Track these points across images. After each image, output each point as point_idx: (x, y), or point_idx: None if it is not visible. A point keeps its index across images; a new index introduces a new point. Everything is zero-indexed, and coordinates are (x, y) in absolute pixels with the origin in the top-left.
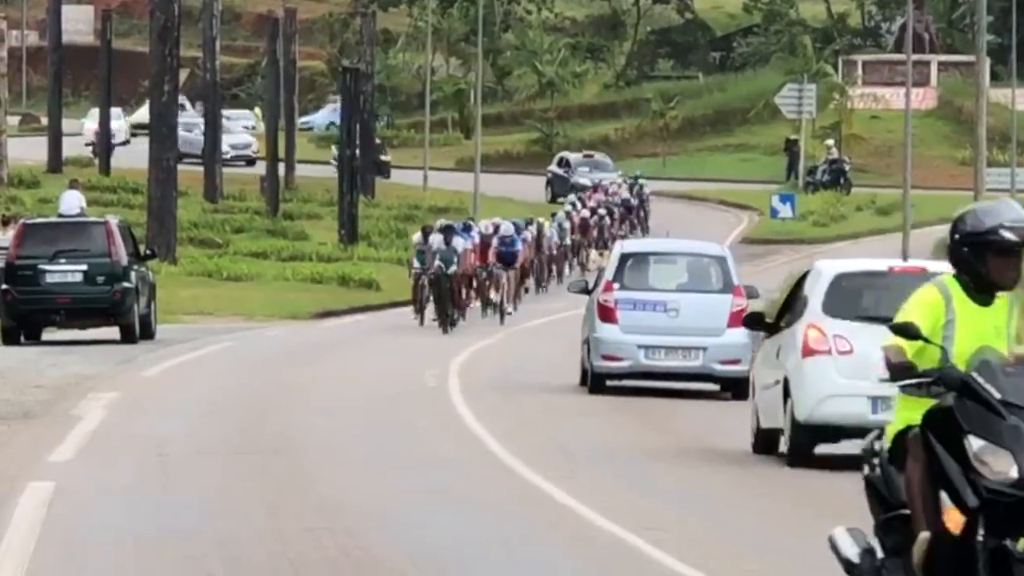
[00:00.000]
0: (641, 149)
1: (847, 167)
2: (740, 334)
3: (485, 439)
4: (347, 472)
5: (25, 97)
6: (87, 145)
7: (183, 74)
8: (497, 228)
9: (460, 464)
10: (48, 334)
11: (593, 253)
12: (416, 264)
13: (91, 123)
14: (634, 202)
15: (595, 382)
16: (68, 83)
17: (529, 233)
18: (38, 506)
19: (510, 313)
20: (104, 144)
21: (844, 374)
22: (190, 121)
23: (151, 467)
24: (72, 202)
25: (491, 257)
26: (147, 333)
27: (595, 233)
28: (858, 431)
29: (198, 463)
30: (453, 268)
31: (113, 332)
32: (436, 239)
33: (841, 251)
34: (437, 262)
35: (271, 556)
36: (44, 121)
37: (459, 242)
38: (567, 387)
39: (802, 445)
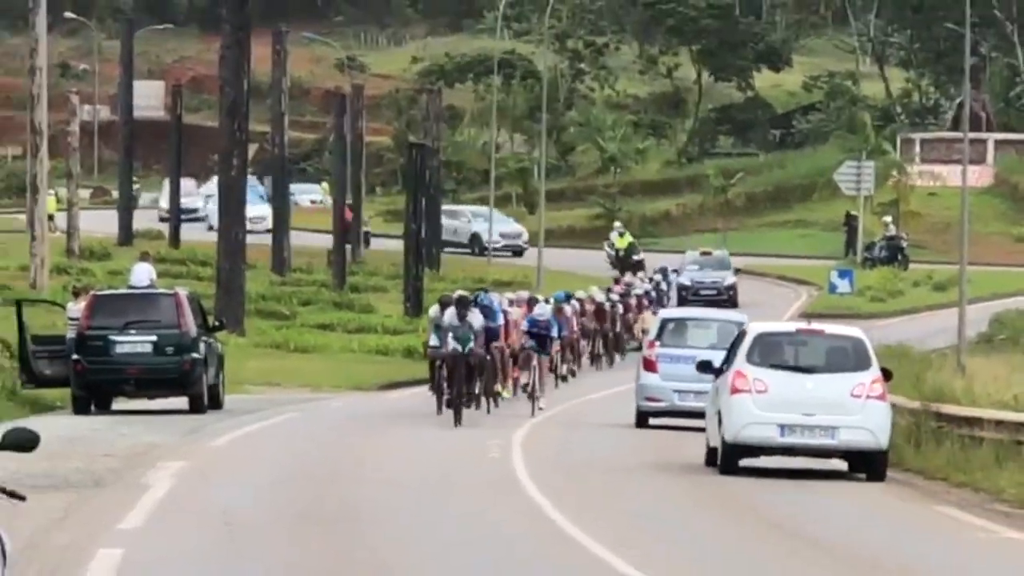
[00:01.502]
0: (702, 225)
1: (904, 243)
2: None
3: (548, 510)
4: (413, 545)
5: (96, 171)
6: (161, 220)
7: (252, 148)
8: (530, 303)
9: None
10: (118, 404)
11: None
12: (433, 340)
13: (204, 202)
14: (653, 295)
15: (639, 419)
16: (139, 157)
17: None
18: (107, 573)
19: (542, 408)
20: (175, 217)
21: (760, 407)
22: (455, 209)
23: (218, 536)
24: (142, 274)
25: (523, 337)
26: (215, 403)
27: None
28: (770, 450)
29: (264, 532)
30: (470, 346)
31: (182, 402)
32: (449, 313)
33: (898, 326)
34: (451, 342)
35: None
36: (115, 194)
37: (475, 318)
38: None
39: (730, 460)
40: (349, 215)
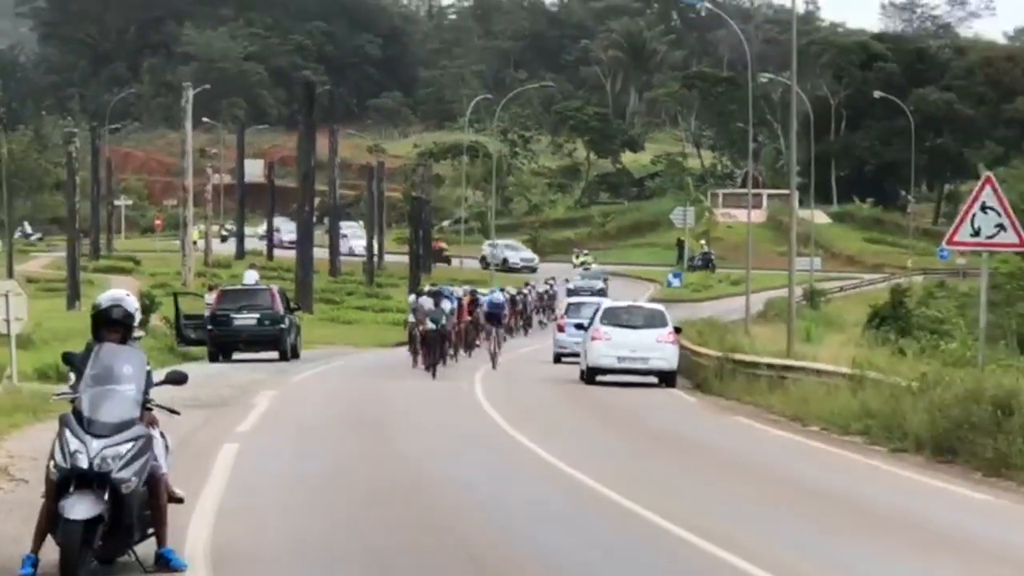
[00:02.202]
0: (590, 246)
1: (712, 257)
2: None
3: (496, 418)
4: (416, 437)
5: (222, 215)
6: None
7: (316, 201)
8: (472, 294)
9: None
10: (236, 356)
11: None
12: (411, 319)
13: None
14: (546, 297)
15: (555, 359)
16: (248, 206)
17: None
18: (229, 458)
19: (499, 363)
20: (270, 243)
21: (606, 348)
22: (494, 243)
23: (295, 435)
24: (250, 277)
25: (482, 318)
26: (295, 354)
27: (520, 307)
28: (612, 371)
29: (324, 432)
30: (442, 323)
31: (274, 355)
32: (427, 301)
33: (708, 307)
34: (429, 322)
35: (368, 479)
36: (233, 229)
37: (446, 304)
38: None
39: (591, 376)
40: (437, 245)
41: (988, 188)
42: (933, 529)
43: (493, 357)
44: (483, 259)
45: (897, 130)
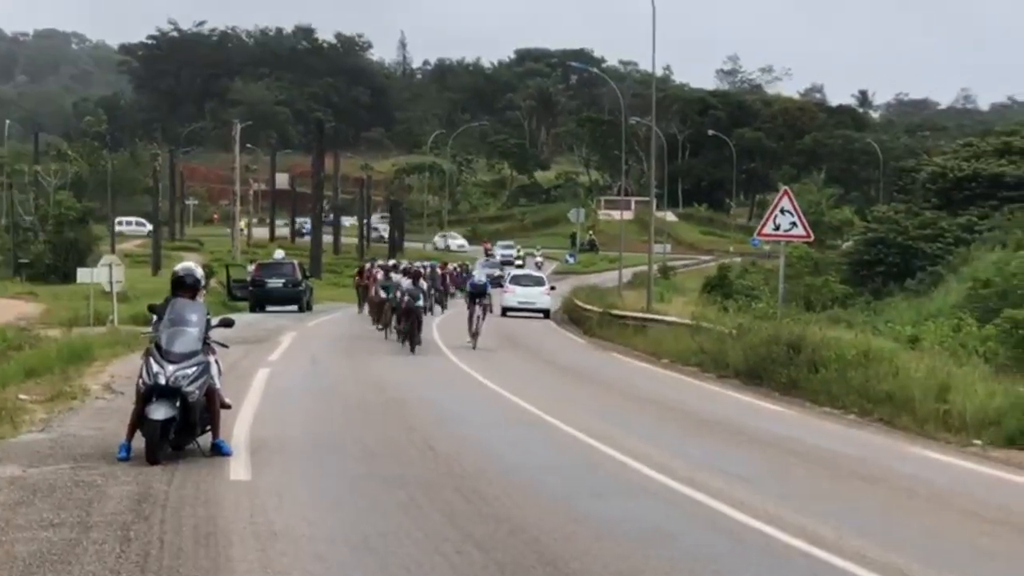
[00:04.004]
0: (511, 237)
1: (597, 243)
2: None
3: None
4: (391, 366)
5: (259, 211)
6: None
7: (326, 202)
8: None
9: (449, 379)
10: (269, 308)
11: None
12: (385, 294)
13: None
14: (464, 274)
15: (502, 312)
16: (282, 206)
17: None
18: (263, 379)
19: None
20: (292, 231)
21: (512, 296)
22: (446, 233)
23: (310, 363)
24: (279, 254)
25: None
26: (309, 308)
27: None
28: (515, 310)
29: (330, 362)
30: (420, 303)
31: (295, 308)
32: (404, 280)
33: (594, 278)
34: (407, 298)
35: (362, 399)
36: (267, 222)
37: (423, 284)
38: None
39: (504, 312)
40: (487, 245)
41: (785, 198)
42: (747, 431)
43: (474, 335)
44: (435, 244)
45: (724, 157)
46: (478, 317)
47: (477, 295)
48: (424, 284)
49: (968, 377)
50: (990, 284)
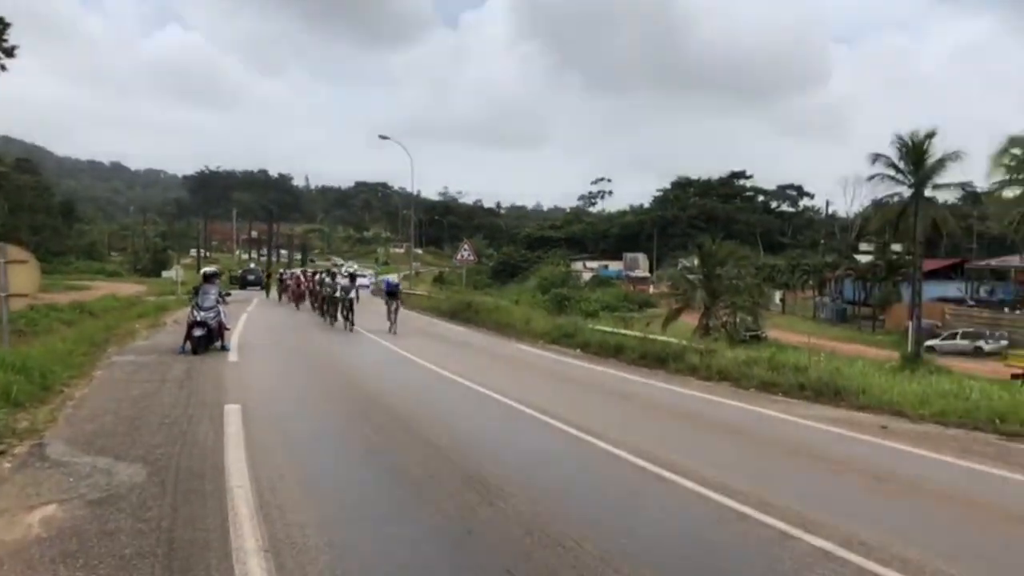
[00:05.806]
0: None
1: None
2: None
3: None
4: (323, 330)
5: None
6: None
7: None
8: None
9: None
10: (248, 289)
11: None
12: (328, 290)
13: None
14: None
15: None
16: (251, 246)
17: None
18: (244, 319)
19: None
20: (260, 256)
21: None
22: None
23: (271, 326)
24: (253, 265)
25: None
26: (267, 290)
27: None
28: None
29: (292, 329)
30: (352, 296)
31: (260, 289)
32: (344, 280)
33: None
34: (350, 295)
35: (319, 354)
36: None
37: (360, 282)
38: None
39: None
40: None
41: (468, 243)
42: (604, 389)
43: (392, 325)
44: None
45: (435, 222)
46: (393, 310)
47: (391, 293)
48: (360, 282)
49: (536, 314)
50: (546, 278)
